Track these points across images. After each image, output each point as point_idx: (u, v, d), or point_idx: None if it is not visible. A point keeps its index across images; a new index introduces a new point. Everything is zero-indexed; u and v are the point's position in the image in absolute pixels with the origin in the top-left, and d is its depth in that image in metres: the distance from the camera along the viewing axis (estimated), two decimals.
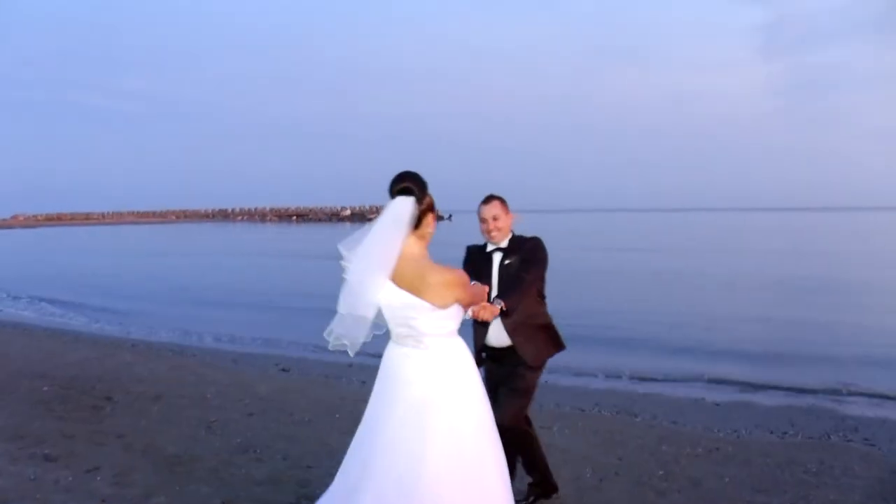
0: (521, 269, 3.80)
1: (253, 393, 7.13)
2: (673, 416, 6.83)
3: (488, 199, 3.93)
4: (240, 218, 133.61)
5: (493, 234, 3.87)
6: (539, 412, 2.97)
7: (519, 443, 3.94)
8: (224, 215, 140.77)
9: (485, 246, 3.94)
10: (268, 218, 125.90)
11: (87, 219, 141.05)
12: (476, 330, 3.87)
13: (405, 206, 2.81)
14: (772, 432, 6.32)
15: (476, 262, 3.90)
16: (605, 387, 8.34)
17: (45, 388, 6.86)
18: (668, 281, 20.83)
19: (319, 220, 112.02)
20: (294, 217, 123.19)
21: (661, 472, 4.93)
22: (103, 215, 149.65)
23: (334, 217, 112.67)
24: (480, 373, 3.65)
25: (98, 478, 4.46)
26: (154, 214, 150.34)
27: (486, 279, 3.76)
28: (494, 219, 3.86)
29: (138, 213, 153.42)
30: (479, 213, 3.91)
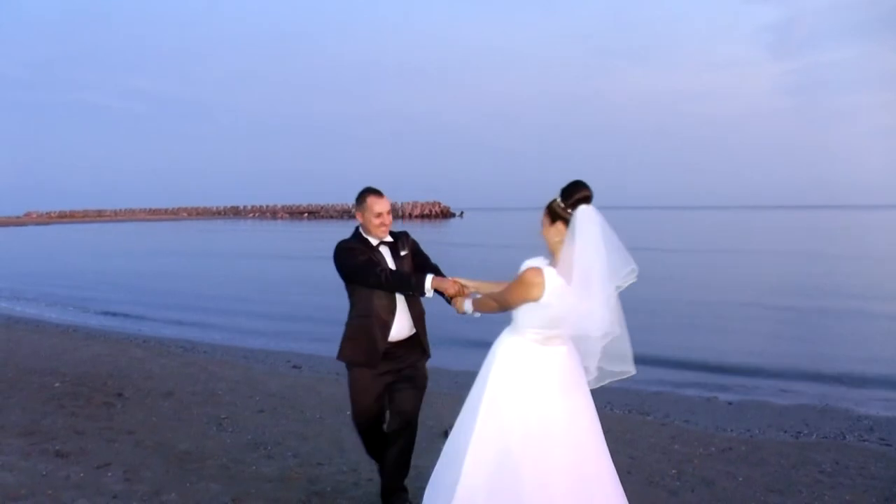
0: (424, 259, 3.89)
1: (264, 390, 7.13)
2: (685, 416, 6.78)
3: (380, 194, 3.82)
4: (251, 215, 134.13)
5: (384, 228, 3.81)
6: None
7: (412, 437, 3.92)
8: (235, 212, 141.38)
9: (366, 240, 3.81)
10: (279, 215, 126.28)
11: (99, 216, 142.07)
12: (377, 329, 3.71)
13: (597, 214, 2.92)
14: (785, 432, 6.26)
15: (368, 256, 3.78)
16: (616, 385, 8.22)
17: (57, 385, 6.89)
18: (677, 280, 20.71)
19: (331, 217, 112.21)
20: (305, 214, 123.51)
21: (673, 472, 4.89)
22: (115, 213, 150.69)
23: (346, 214, 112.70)
24: (376, 372, 3.75)
25: (109, 474, 4.47)
26: (166, 212, 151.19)
27: None
28: (388, 213, 3.82)
29: (150, 210, 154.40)
30: (370, 207, 3.76)
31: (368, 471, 4.60)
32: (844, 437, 6.07)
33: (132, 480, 4.38)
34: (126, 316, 14.61)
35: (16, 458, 4.67)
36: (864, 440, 6.00)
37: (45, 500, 4.02)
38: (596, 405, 3.21)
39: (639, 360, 3.29)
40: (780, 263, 26.83)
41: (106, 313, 15.11)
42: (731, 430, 6.22)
